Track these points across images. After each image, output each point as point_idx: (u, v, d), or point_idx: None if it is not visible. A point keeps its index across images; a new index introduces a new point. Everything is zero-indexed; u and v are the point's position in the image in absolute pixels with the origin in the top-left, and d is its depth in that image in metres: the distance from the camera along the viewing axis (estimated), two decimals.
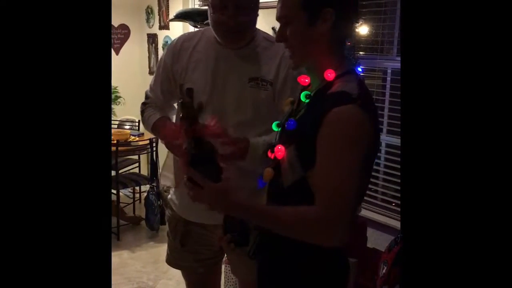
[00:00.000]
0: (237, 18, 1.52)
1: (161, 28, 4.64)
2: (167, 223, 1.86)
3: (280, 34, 1.20)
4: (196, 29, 2.98)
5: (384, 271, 2.08)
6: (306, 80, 1.28)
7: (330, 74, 1.16)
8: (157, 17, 4.67)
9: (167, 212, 1.86)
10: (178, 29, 4.26)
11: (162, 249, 3.10)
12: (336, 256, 1.22)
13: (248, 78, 1.60)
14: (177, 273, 3.09)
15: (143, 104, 1.78)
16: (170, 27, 4.47)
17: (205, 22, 3.28)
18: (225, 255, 1.95)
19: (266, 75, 1.60)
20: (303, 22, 1.15)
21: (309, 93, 1.20)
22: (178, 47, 1.70)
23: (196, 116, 1.23)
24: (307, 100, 1.20)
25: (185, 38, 1.74)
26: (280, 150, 1.19)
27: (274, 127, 1.33)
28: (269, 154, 1.31)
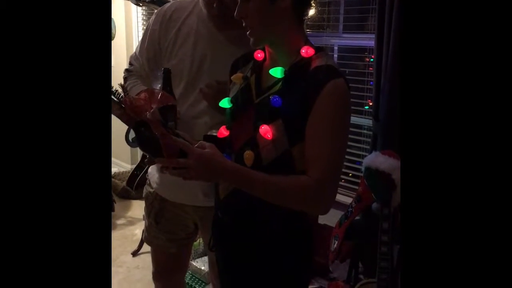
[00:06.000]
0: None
1: None
2: (144, 200, 1.81)
3: (241, 10, 1.17)
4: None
5: (335, 245, 2.11)
6: (259, 55, 1.28)
7: (307, 51, 1.17)
8: None
9: (145, 189, 1.81)
10: (118, 8, 4.10)
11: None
12: (303, 219, 1.26)
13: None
14: (128, 260, 3.05)
15: (126, 70, 1.70)
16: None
17: (147, 0, 3.17)
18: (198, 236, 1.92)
19: None
20: None
21: (283, 68, 1.18)
22: (168, 16, 1.62)
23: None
24: (282, 76, 1.18)
25: (176, 7, 1.65)
26: (267, 130, 1.14)
27: (225, 104, 1.29)
28: (223, 132, 1.27)
